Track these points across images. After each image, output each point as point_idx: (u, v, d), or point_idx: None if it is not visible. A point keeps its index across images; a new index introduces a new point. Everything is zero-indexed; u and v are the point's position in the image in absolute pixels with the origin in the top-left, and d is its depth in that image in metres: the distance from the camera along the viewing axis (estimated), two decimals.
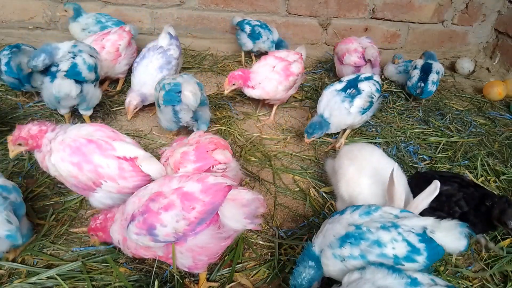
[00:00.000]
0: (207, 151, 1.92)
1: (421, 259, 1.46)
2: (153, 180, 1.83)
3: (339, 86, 2.69)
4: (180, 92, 2.40)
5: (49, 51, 2.43)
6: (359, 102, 2.61)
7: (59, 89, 2.47)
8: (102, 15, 3.49)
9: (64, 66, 2.47)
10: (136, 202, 1.59)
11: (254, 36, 3.68)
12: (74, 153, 1.81)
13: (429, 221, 1.52)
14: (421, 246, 1.46)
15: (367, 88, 2.65)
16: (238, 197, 1.58)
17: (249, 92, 2.89)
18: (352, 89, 2.64)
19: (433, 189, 1.65)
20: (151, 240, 1.52)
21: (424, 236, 1.47)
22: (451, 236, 1.48)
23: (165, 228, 1.50)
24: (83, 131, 1.90)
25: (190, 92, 2.34)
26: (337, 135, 2.89)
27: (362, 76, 2.74)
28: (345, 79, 2.74)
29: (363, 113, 2.66)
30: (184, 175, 1.63)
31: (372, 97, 2.67)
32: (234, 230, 1.63)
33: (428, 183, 1.68)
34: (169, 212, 1.50)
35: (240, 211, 1.56)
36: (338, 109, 2.60)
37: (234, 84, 2.82)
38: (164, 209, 1.50)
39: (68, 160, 1.81)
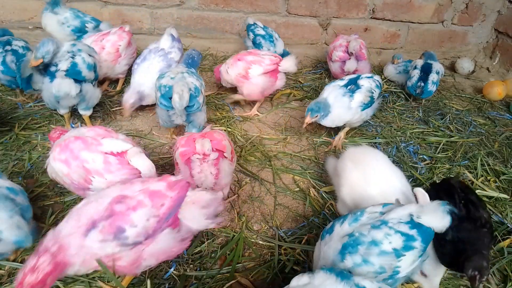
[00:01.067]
0: (194, 139, 1.92)
1: (418, 244, 1.49)
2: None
3: (341, 82, 2.75)
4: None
5: (53, 40, 2.46)
6: (359, 96, 2.64)
7: (59, 88, 2.47)
8: (76, 10, 3.38)
9: (64, 65, 2.47)
10: (95, 208, 1.49)
11: (255, 45, 3.62)
12: (62, 151, 1.84)
13: (412, 207, 1.55)
14: (413, 232, 1.49)
15: (367, 83, 2.70)
16: (198, 199, 1.61)
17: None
18: (352, 85, 2.69)
19: (422, 197, 1.63)
20: (118, 245, 1.44)
21: (412, 222, 1.50)
22: (436, 216, 1.51)
23: (136, 228, 1.46)
24: (76, 132, 1.95)
25: (177, 94, 2.32)
26: (335, 136, 2.89)
27: (363, 75, 2.79)
28: (347, 77, 2.79)
29: (363, 109, 2.68)
30: (144, 179, 1.66)
31: (373, 92, 2.70)
32: (194, 231, 1.65)
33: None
34: (138, 211, 1.48)
35: (201, 212, 1.59)
36: (340, 101, 2.64)
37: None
38: (133, 209, 1.48)
39: (58, 158, 1.84)
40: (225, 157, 1.98)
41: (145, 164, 1.86)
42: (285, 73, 3.08)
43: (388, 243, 1.47)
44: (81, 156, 1.81)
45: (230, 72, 3.01)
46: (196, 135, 1.98)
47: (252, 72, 2.93)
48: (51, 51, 2.42)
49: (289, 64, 2.99)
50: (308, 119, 2.61)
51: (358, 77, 2.76)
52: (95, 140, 1.86)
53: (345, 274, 1.35)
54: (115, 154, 1.83)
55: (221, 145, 1.96)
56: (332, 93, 2.67)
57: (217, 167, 1.96)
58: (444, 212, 1.51)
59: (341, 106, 2.63)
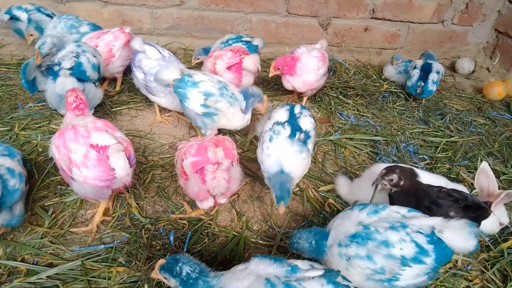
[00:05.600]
0: (206, 148, 1.89)
1: (429, 260, 1.45)
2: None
3: (285, 131, 2.08)
4: None
5: (52, 35, 2.50)
6: (311, 146, 2.15)
7: (63, 87, 2.48)
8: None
9: (67, 64, 2.51)
10: None
11: None
12: (58, 136, 1.88)
13: (437, 221, 1.52)
14: (429, 247, 1.46)
15: (310, 125, 2.16)
16: None
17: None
18: (299, 132, 2.09)
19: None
20: None
21: (432, 237, 1.46)
22: (459, 235, 1.47)
23: None
24: (81, 120, 1.99)
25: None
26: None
27: (296, 111, 2.20)
28: (283, 119, 2.15)
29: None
30: None
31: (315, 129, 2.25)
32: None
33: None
34: None
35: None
36: (297, 160, 2.05)
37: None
38: None
39: (54, 143, 1.89)
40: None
41: (120, 165, 1.83)
42: None
43: (399, 249, 1.46)
44: (68, 145, 1.83)
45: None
46: (207, 142, 1.94)
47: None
48: (48, 42, 2.45)
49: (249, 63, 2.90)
50: (281, 210, 1.95)
51: (293, 116, 2.17)
52: (88, 132, 1.87)
53: (278, 258, 1.40)
54: (98, 147, 1.82)
55: (231, 154, 1.94)
56: (286, 153, 2.02)
57: (229, 173, 1.96)
58: (471, 234, 1.47)
59: (300, 165, 2.08)
